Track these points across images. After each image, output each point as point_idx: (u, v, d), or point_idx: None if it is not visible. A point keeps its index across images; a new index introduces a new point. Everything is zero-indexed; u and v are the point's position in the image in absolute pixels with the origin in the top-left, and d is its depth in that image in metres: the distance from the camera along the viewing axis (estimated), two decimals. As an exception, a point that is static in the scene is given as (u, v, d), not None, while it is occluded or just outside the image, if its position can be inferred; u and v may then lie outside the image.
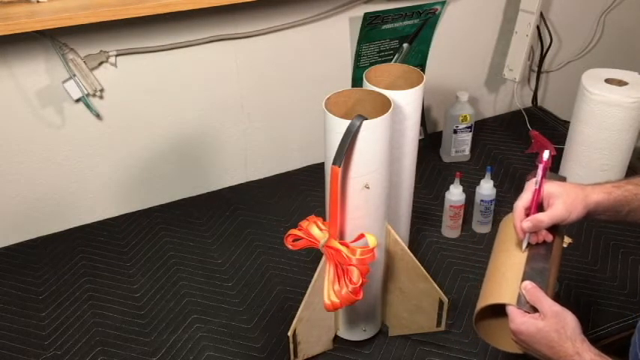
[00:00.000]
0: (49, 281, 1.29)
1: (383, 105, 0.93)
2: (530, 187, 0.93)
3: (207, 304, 1.23)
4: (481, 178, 1.34)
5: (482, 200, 1.34)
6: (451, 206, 1.33)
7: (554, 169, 1.47)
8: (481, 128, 1.72)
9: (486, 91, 1.78)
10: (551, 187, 0.91)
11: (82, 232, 1.42)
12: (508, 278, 0.93)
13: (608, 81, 1.37)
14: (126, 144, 1.40)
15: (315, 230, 0.94)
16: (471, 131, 1.57)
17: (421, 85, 1.04)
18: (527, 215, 0.92)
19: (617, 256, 1.30)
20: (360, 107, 0.96)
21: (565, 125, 1.60)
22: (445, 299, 1.07)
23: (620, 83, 1.37)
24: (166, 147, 1.44)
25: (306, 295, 1.01)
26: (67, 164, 1.37)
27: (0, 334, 1.18)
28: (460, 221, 1.36)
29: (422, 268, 1.06)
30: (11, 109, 1.26)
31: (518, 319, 0.87)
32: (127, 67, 1.31)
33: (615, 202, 0.91)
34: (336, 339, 1.14)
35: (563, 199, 0.89)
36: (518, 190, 1.46)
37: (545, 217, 0.89)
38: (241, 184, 1.57)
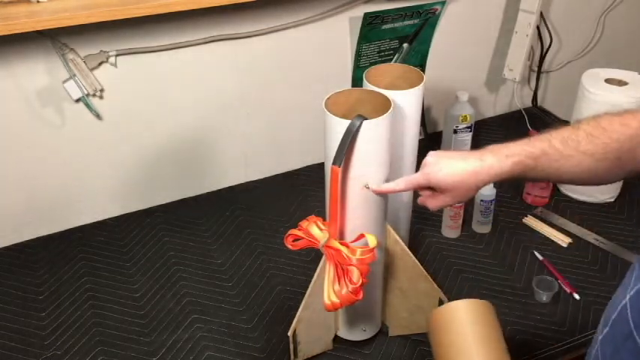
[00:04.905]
0: (49, 281, 1.29)
1: (383, 105, 0.93)
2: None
3: (207, 304, 1.23)
4: (481, 178, 1.34)
5: (482, 200, 1.34)
6: (451, 206, 1.33)
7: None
8: (481, 128, 1.72)
9: (486, 91, 1.78)
10: (443, 180, 0.87)
11: (82, 232, 1.42)
12: None
13: (608, 81, 1.37)
14: (126, 144, 1.40)
15: (315, 230, 0.94)
16: (470, 131, 1.56)
17: (421, 85, 1.04)
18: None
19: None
20: (360, 107, 0.96)
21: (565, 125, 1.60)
22: (445, 299, 1.07)
23: (620, 83, 1.37)
24: (166, 147, 1.44)
25: (306, 295, 1.01)
26: (67, 164, 1.37)
27: (0, 334, 1.18)
28: (460, 221, 1.36)
29: (422, 268, 1.06)
30: (11, 109, 1.26)
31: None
32: (127, 67, 1.31)
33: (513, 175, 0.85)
34: (336, 339, 1.14)
35: (453, 194, 0.88)
36: (519, 190, 1.47)
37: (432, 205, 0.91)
38: (241, 184, 1.57)
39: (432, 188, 0.90)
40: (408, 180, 0.91)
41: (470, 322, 0.89)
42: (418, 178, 0.89)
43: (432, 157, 0.89)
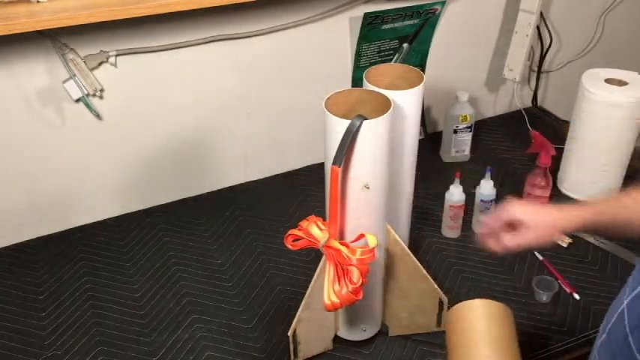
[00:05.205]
0: (49, 281, 1.29)
1: (383, 105, 0.93)
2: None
3: (207, 304, 1.23)
4: (481, 178, 1.34)
5: (482, 200, 1.34)
6: (451, 206, 1.33)
7: (554, 169, 1.46)
8: (481, 128, 1.72)
9: (486, 91, 1.78)
10: (526, 214, 0.92)
11: (82, 232, 1.42)
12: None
13: (608, 81, 1.37)
14: (126, 144, 1.40)
15: (315, 230, 0.94)
16: (471, 131, 1.57)
17: (421, 85, 1.04)
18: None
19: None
20: (360, 107, 0.96)
21: (565, 125, 1.60)
22: (445, 299, 1.08)
23: (620, 83, 1.37)
24: (166, 147, 1.44)
25: (306, 295, 1.01)
26: (66, 164, 1.37)
27: (0, 334, 1.18)
28: (460, 221, 1.36)
29: (422, 268, 1.06)
30: (11, 109, 1.26)
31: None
32: (127, 67, 1.31)
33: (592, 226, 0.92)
34: (336, 339, 1.14)
35: (535, 231, 0.91)
36: (519, 190, 1.47)
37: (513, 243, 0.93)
38: (241, 184, 1.57)
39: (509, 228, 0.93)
40: (492, 216, 0.96)
41: (489, 319, 0.92)
42: (501, 214, 0.94)
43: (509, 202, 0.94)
